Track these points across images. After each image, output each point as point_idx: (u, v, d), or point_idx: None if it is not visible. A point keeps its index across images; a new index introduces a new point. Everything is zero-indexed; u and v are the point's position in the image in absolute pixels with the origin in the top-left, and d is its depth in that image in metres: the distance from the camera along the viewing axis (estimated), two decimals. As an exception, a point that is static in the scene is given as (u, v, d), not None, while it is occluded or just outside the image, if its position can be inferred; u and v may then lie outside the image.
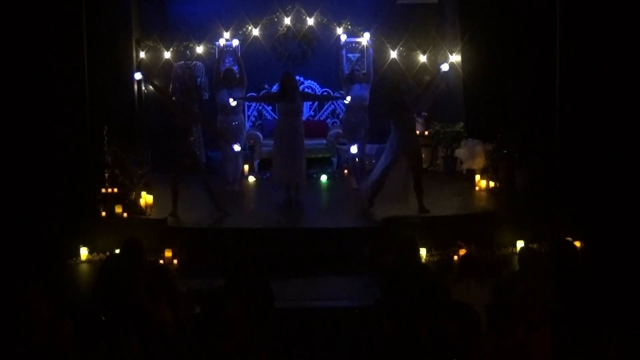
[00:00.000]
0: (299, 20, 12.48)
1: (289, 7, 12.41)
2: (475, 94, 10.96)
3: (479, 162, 10.60)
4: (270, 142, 12.15)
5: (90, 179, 9.05)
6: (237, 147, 10.40)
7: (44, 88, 8.91)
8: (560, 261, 5.88)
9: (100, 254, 8.49)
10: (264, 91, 12.77)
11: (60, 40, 8.91)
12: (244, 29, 12.31)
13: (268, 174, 11.89)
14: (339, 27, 12.34)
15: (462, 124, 11.47)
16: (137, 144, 11.09)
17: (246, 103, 12.59)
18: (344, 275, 7.91)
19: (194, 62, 12.22)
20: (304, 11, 12.41)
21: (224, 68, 11.07)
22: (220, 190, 10.35)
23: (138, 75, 11.54)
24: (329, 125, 12.70)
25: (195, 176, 9.43)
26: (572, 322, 5.19)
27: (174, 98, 11.49)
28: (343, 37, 11.49)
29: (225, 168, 10.69)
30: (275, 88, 12.76)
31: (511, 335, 4.78)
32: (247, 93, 12.45)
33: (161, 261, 8.22)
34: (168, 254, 8.31)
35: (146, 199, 9.37)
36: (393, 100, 9.23)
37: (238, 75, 10.73)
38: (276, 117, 12.77)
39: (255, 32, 12.34)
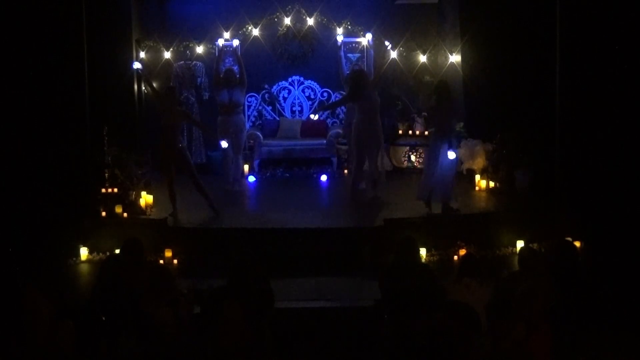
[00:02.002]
0: (299, 20, 12.50)
1: (289, 7, 12.42)
2: (475, 94, 10.96)
3: (479, 162, 10.60)
4: (270, 142, 12.21)
5: (90, 179, 9.05)
6: (224, 144, 10.33)
7: (44, 88, 8.91)
8: (560, 261, 5.88)
9: (100, 254, 8.49)
10: (263, 91, 12.79)
11: (60, 40, 8.91)
12: (244, 29, 12.32)
13: (268, 174, 11.91)
14: (339, 27, 12.35)
15: (462, 124, 11.47)
16: (137, 144, 11.09)
17: (246, 103, 12.61)
18: (344, 275, 7.90)
19: (194, 62, 12.23)
20: (304, 11, 12.42)
21: (224, 68, 11.07)
22: (220, 190, 10.37)
23: (137, 65, 11.51)
24: (329, 125, 12.71)
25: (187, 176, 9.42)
26: (572, 322, 5.19)
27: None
28: (340, 38, 11.50)
29: (226, 168, 10.69)
30: (275, 88, 12.80)
31: (511, 335, 4.78)
32: (247, 93, 12.49)
33: (161, 261, 8.22)
34: (168, 254, 8.31)
35: (146, 199, 9.37)
36: (442, 101, 8.96)
37: (238, 76, 10.73)
38: (278, 118, 12.82)
39: (255, 32, 12.35)
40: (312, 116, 11.10)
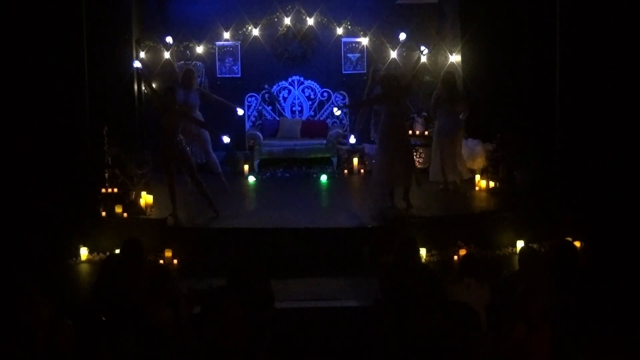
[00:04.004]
0: (299, 20, 12.51)
1: (289, 7, 12.44)
2: (475, 94, 10.97)
3: (479, 162, 10.61)
4: (270, 142, 12.20)
5: (90, 179, 9.05)
6: (226, 139, 10.25)
7: (44, 88, 8.91)
8: (560, 261, 5.88)
9: (100, 254, 8.49)
10: (263, 91, 12.76)
11: (60, 40, 8.90)
12: (244, 29, 12.33)
13: (268, 174, 11.91)
14: (339, 27, 12.37)
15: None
16: (137, 144, 11.09)
17: (246, 103, 12.61)
18: (344, 275, 7.90)
19: (194, 62, 12.23)
20: (304, 11, 12.44)
21: (182, 68, 11.07)
22: (221, 190, 10.34)
23: (137, 64, 11.47)
24: (329, 125, 12.71)
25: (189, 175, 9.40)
26: (572, 322, 5.19)
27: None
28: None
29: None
30: (275, 88, 12.80)
31: (511, 335, 4.78)
32: (247, 94, 12.51)
33: (161, 261, 8.23)
34: (168, 254, 8.31)
35: (146, 199, 9.37)
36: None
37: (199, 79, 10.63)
38: (278, 118, 12.82)
39: (255, 32, 12.36)
40: (335, 111, 11.10)
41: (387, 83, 9.40)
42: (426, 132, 11.88)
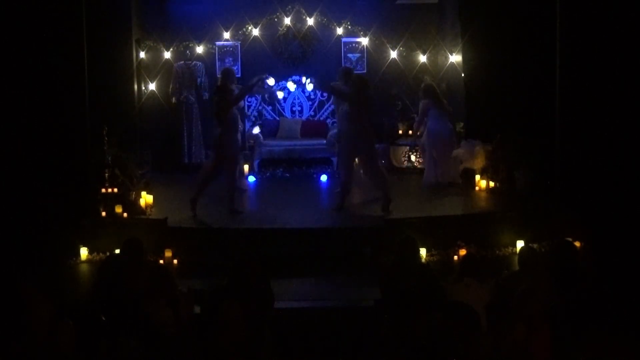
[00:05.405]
0: (299, 20, 12.52)
1: (289, 7, 12.45)
2: (475, 94, 10.96)
3: (479, 162, 10.60)
4: (270, 142, 12.20)
5: (90, 179, 9.05)
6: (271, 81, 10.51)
7: (44, 88, 8.91)
8: (560, 261, 5.88)
9: (100, 254, 8.48)
10: (265, 94, 12.76)
11: (60, 40, 8.91)
12: (244, 29, 12.33)
13: (268, 174, 11.90)
14: (339, 27, 12.37)
15: (462, 124, 11.48)
16: (137, 144, 11.09)
17: (246, 103, 12.60)
18: (344, 275, 7.90)
19: (194, 62, 12.23)
20: (304, 11, 12.45)
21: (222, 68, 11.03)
22: (222, 189, 10.32)
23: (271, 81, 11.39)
24: (329, 125, 12.71)
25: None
26: (572, 322, 5.19)
27: (174, 99, 11.55)
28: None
29: None
30: (275, 88, 12.79)
31: (511, 335, 4.78)
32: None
33: (161, 261, 8.22)
34: (168, 254, 8.30)
35: (146, 199, 9.36)
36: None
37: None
38: (278, 118, 12.82)
39: (255, 32, 12.36)
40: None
41: (355, 84, 9.23)
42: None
